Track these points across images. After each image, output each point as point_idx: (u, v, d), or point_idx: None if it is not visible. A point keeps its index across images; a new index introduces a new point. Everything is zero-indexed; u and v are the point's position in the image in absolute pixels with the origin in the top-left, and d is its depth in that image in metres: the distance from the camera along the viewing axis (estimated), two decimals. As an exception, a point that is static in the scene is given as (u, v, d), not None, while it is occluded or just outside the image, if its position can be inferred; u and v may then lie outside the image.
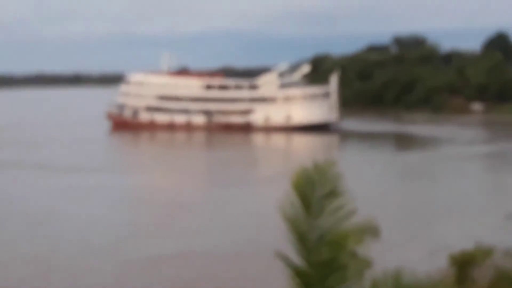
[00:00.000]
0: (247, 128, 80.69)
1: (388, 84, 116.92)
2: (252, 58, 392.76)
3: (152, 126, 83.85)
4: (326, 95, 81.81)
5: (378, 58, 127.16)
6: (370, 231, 4.95)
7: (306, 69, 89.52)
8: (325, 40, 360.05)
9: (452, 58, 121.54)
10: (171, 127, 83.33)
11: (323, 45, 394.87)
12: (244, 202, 33.47)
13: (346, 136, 73.30)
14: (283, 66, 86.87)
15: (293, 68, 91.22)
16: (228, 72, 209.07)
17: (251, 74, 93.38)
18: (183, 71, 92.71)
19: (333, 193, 5.05)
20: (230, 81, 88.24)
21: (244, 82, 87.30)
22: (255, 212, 30.57)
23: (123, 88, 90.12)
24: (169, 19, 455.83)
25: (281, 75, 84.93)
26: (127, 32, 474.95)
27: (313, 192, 5.05)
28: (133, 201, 34.36)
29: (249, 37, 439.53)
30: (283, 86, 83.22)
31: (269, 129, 79.33)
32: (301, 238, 4.97)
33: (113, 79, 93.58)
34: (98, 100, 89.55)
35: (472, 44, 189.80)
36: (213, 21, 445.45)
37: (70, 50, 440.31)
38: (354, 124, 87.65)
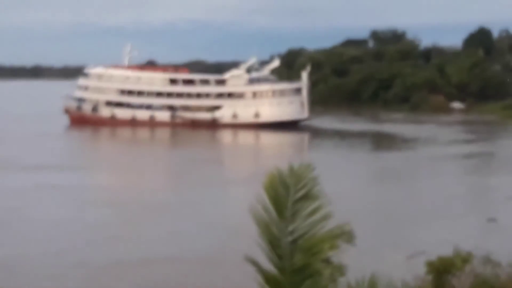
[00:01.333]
0: (213, 125, 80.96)
1: (365, 80, 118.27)
2: (224, 52, 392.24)
3: (113, 122, 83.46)
4: (297, 91, 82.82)
5: (355, 53, 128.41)
6: (345, 236, 5.04)
7: (276, 63, 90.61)
8: (300, 34, 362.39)
9: (432, 54, 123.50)
10: (133, 123, 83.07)
11: (298, 39, 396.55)
12: (213, 205, 33.43)
13: (318, 134, 74.55)
14: (252, 60, 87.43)
15: (263, 63, 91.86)
16: (199, 66, 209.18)
17: (223, 68, 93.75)
18: (146, 65, 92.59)
19: (307, 197, 5.12)
20: (196, 76, 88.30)
21: (211, 76, 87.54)
22: (225, 215, 30.56)
23: (82, 81, 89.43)
24: (136, 9, 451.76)
25: (250, 70, 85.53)
26: (92, 22, 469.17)
27: (287, 195, 5.12)
28: (96, 202, 33.99)
29: (221, 29, 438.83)
30: (252, 81, 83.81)
31: (236, 126, 79.85)
32: (273, 244, 5.03)
33: (76, 72, 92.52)
34: (58, 94, 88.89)
35: (453, 40, 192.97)
36: (183, 12, 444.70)
37: (30, 41, 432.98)
38: (328, 121, 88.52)
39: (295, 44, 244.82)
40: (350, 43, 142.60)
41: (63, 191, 37.09)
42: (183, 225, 28.79)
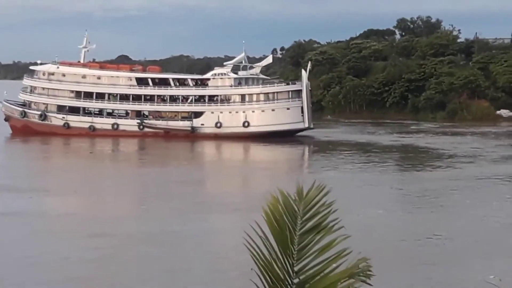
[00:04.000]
0: (192, 136, 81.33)
1: (391, 81, 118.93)
2: (215, 46, 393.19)
3: (66, 132, 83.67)
4: (296, 94, 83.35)
5: (378, 47, 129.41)
6: (363, 275, 5.08)
7: (269, 60, 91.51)
8: (310, 23, 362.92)
9: (474, 49, 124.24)
10: (91, 133, 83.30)
11: (308, 29, 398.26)
12: (200, 237, 34.00)
13: (325, 148, 75.36)
14: (240, 56, 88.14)
15: (254, 60, 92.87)
16: (182, 63, 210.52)
17: (213, 66, 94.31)
18: (114, 61, 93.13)
19: (319, 227, 5.17)
20: (170, 75, 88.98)
21: (189, 76, 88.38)
22: (215, 249, 31.06)
23: (27, 81, 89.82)
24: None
25: (237, 68, 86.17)
26: (49, 6, 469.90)
27: (293, 225, 5.16)
28: (62, 233, 34.19)
29: (212, 17, 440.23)
30: (240, 82, 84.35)
31: (220, 137, 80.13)
32: (275, 286, 5.07)
33: (26, 69, 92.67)
34: (1, 97, 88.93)
35: (500, 31, 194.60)
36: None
37: None
38: (340, 132, 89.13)
39: (304, 36, 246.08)
40: (371, 34, 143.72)
41: (15, 220, 37.54)
42: (171, 262, 29.10)
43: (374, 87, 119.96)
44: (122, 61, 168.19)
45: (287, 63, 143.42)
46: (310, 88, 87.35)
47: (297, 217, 5.22)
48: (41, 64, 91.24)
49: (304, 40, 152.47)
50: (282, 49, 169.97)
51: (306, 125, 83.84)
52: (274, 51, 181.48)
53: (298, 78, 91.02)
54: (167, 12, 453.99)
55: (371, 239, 31.39)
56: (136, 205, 44.23)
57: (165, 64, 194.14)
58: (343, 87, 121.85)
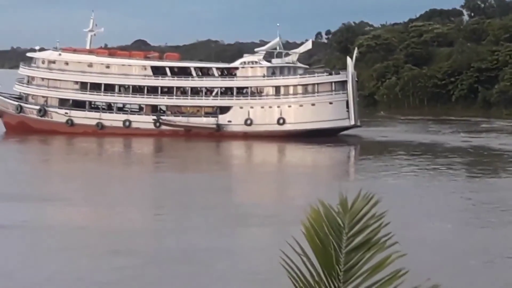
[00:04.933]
0: (216, 135, 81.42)
1: (457, 70, 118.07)
2: (248, 30, 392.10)
3: (69, 130, 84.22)
4: (340, 85, 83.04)
5: (442, 31, 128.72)
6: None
7: (308, 46, 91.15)
8: (361, 2, 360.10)
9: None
10: (99, 131, 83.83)
11: (358, 11, 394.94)
12: (235, 255, 34.40)
13: (375, 149, 74.84)
14: (275, 41, 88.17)
15: (294, 45, 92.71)
16: (209, 49, 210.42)
17: (245, 53, 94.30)
18: (131, 47, 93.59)
19: (368, 244, 5.23)
20: (192, 63, 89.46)
21: (214, 65, 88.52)
22: (254, 271, 31.17)
23: (23, 71, 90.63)
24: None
25: (271, 56, 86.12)
26: None
27: (338, 241, 5.22)
28: (66, 250, 34.45)
29: None
30: (274, 71, 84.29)
31: (250, 137, 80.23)
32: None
33: (26, 56, 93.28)
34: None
35: None
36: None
37: None
38: (395, 130, 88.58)
39: (354, 18, 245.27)
40: (434, 15, 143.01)
41: (16, 234, 37.91)
42: (203, 284, 29.93)
43: (438, 77, 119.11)
44: (139, 47, 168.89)
45: (334, 50, 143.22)
46: (357, 79, 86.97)
47: (342, 232, 5.31)
48: (40, 50, 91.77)
49: (354, 23, 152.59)
50: (328, 33, 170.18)
51: (352, 123, 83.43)
52: (318, 35, 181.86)
53: (346, 67, 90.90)
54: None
55: (434, 259, 31.17)
56: (155, 217, 44.51)
57: (190, 50, 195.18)
58: (400, 78, 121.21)
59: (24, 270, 31.79)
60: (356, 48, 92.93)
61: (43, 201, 46.98)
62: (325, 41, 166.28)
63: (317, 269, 5.29)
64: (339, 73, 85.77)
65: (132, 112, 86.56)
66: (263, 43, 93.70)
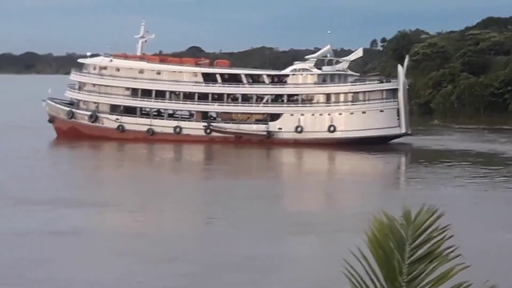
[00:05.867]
0: (266, 142, 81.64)
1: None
2: (303, 36, 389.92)
3: (120, 136, 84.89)
4: (391, 93, 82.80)
5: (499, 39, 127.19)
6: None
7: (359, 54, 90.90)
8: (417, 10, 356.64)
9: None
10: (149, 138, 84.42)
11: (414, 18, 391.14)
12: (295, 264, 34.75)
13: (428, 157, 73.92)
14: (326, 49, 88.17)
15: (349, 53, 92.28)
16: (263, 56, 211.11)
17: (300, 60, 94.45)
18: (186, 54, 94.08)
19: (431, 255, 5.36)
20: (243, 70, 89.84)
21: (265, 72, 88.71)
22: (316, 280, 31.11)
23: (75, 77, 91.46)
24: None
25: (322, 63, 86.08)
26: None
27: (401, 252, 5.37)
28: (124, 256, 34.83)
29: (299, 3, 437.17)
30: (324, 79, 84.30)
31: (300, 144, 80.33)
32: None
33: (75, 63, 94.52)
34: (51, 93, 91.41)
35: None
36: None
37: (17, 18, 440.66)
38: (450, 138, 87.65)
39: (410, 25, 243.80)
40: (491, 23, 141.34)
41: (72, 240, 38.37)
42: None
43: (494, 86, 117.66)
44: (194, 54, 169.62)
45: (389, 57, 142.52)
46: (408, 87, 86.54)
47: (405, 243, 5.44)
48: (91, 56, 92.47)
49: (410, 30, 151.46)
50: (383, 40, 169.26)
51: (403, 131, 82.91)
52: (373, 43, 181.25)
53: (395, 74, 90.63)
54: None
55: (499, 271, 30.78)
56: (208, 224, 44.75)
57: (244, 57, 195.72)
58: (456, 86, 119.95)
59: (85, 276, 32.16)
60: (407, 56, 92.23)
61: (96, 207, 47.71)
62: (380, 48, 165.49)
63: (379, 279, 5.41)
64: (390, 81, 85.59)
65: (183, 119, 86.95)
66: (317, 50, 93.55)
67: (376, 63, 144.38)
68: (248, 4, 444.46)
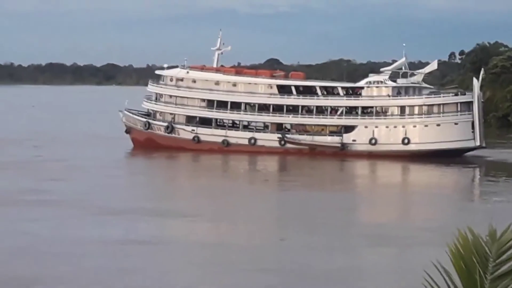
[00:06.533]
0: (340, 154, 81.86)
1: None
2: (381, 49, 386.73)
3: (195, 147, 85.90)
4: (465, 106, 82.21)
5: None
6: None
7: (434, 66, 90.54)
8: (497, 21, 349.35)
9: None
10: (224, 149, 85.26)
11: (493, 29, 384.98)
12: (376, 274, 35.16)
13: (505, 170, 73.40)
14: (401, 61, 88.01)
15: (418, 65, 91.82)
16: (340, 69, 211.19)
17: (377, 72, 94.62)
18: (264, 65, 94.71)
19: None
20: (318, 83, 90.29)
21: (339, 84, 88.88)
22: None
23: (151, 88, 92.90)
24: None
25: (396, 76, 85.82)
26: (178, 4, 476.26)
27: (483, 269, 5.72)
28: (209, 265, 35.85)
29: (376, 15, 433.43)
30: (399, 92, 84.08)
31: (374, 156, 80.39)
32: None
33: (154, 74, 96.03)
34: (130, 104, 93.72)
35: None
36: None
37: (98, 30, 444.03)
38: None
39: (489, 38, 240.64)
40: None
41: (157, 248, 39.23)
42: None
43: None
44: (272, 66, 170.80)
45: (467, 70, 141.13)
46: (483, 100, 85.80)
47: (488, 259, 5.78)
48: (168, 68, 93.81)
49: (488, 43, 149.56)
50: (461, 53, 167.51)
51: (478, 144, 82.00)
52: (452, 56, 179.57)
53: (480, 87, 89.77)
54: (323, 9, 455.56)
55: None
56: (284, 235, 44.57)
57: (322, 70, 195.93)
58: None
59: (170, 284, 33.00)
60: (482, 69, 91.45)
61: (174, 217, 48.86)
62: (459, 61, 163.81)
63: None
64: (465, 94, 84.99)
65: (257, 130, 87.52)
66: (394, 63, 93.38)
67: (454, 76, 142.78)
68: (327, 16, 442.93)
